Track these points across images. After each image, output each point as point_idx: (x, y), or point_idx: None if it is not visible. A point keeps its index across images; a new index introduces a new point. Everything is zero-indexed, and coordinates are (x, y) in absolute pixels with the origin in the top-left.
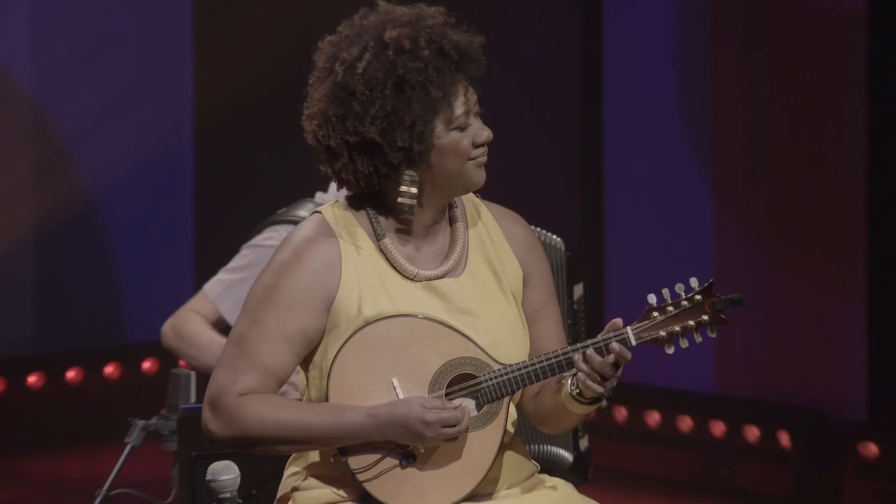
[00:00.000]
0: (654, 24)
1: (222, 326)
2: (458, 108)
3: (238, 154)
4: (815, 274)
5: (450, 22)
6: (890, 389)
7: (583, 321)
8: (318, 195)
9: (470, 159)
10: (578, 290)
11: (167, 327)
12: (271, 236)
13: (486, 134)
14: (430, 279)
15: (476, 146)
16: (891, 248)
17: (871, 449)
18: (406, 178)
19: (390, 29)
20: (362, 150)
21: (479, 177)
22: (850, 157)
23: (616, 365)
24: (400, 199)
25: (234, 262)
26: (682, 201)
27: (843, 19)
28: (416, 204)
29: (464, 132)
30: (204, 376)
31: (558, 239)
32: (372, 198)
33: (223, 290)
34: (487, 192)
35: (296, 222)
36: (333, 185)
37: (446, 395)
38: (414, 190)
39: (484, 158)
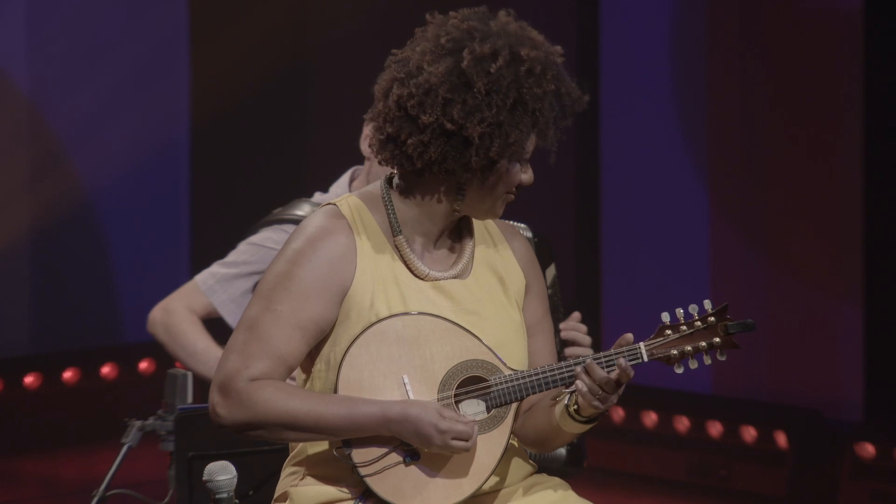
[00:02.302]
0: (651, 26)
1: (213, 320)
2: (532, 145)
3: (234, 154)
4: (811, 275)
5: (565, 66)
6: (887, 390)
7: (560, 305)
8: (317, 195)
9: (507, 191)
10: (550, 272)
11: (158, 318)
12: (270, 237)
13: (528, 177)
14: (438, 280)
15: (519, 185)
16: (888, 250)
17: (868, 449)
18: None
19: (528, 48)
20: (449, 138)
21: (500, 212)
22: (847, 159)
23: (618, 382)
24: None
25: (231, 257)
26: (680, 204)
27: (840, 20)
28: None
29: (520, 167)
30: (201, 377)
31: (522, 225)
32: (393, 191)
33: (216, 283)
34: None
35: (296, 221)
36: (333, 187)
37: (455, 396)
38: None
39: (512, 198)
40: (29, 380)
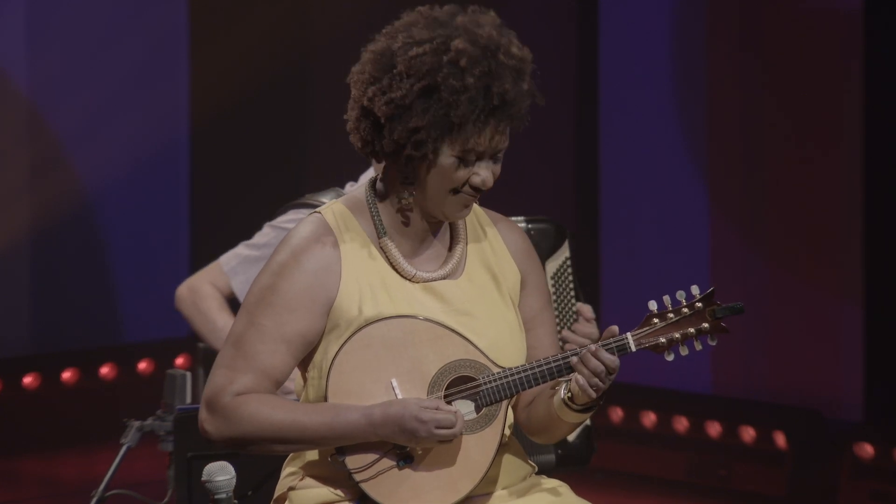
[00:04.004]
0: (651, 26)
1: (232, 300)
2: (473, 144)
3: (234, 154)
4: (811, 275)
5: (520, 70)
6: (886, 390)
7: (569, 292)
8: (349, 186)
9: (455, 191)
10: (561, 256)
11: (185, 293)
12: (292, 219)
13: (480, 179)
14: (428, 281)
15: (471, 185)
16: (888, 250)
17: (867, 450)
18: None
19: (464, 40)
20: (366, 117)
21: (459, 213)
22: (847, 158)
23: (608, 372)
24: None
25: (255, 239)
26: (679, 203)
27: (839, 20)
28: (411, 203)
29: (465, 166)
30: (200, 378)
31: (519, 218)
32: (377, 194)
33: (237, 264)
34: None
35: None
36: (362, 176)
37: (445, 396)
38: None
39: (471, 199)
40: (28, 380)
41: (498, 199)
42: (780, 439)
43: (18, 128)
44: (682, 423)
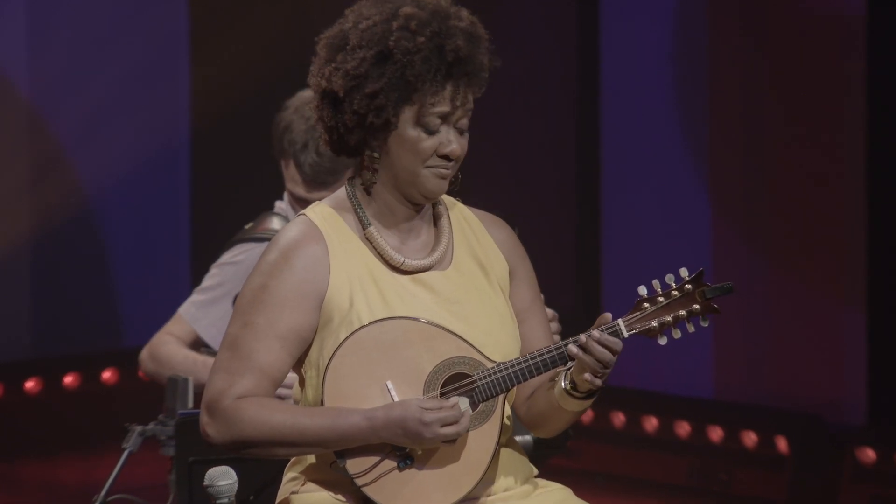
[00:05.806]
0: (652, 27)
1: (199, 346)
2: (434, 108)
3: (235, 157)
4: (814, 278)
5: (473, 33)
6: (888, 394)
7: None
8: (277, 204)
9: (427, 165)
10: None
11: (144, 355)
12: (240, 253)
13: (451, 148)
14: (416, 270)
15: (439, 155)
16: (890, 253)
17: (869, 454)
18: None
19: (411, 6)
20: (329, 100)
21: (436, 186)
22: (849, 161)
23: (613, 353)
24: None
25: (205, 283)
26: (681, 205)
27: (842, 22)
28: (375, 182)
29: (430, 135)
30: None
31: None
32: (357, 188)
33: (196, 310)
34: (485, 193)
35: (266, 238)
36: (287, 193)
37: (441, 395)
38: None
39: (445, 171)
40: (30, 384)
41: (499, 199)
42: (782, 444)
43: (19, 129)
44: (683, 428)
